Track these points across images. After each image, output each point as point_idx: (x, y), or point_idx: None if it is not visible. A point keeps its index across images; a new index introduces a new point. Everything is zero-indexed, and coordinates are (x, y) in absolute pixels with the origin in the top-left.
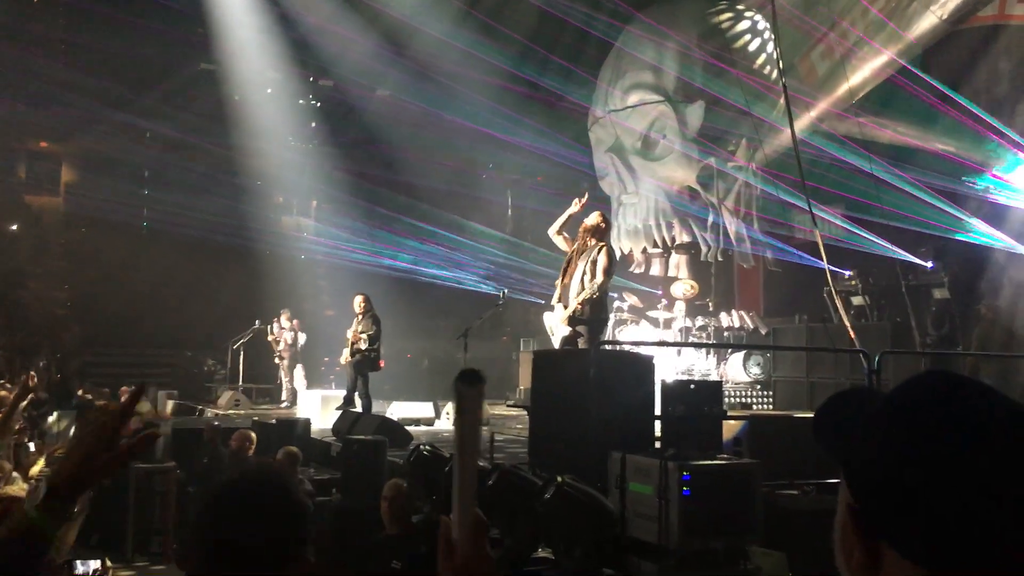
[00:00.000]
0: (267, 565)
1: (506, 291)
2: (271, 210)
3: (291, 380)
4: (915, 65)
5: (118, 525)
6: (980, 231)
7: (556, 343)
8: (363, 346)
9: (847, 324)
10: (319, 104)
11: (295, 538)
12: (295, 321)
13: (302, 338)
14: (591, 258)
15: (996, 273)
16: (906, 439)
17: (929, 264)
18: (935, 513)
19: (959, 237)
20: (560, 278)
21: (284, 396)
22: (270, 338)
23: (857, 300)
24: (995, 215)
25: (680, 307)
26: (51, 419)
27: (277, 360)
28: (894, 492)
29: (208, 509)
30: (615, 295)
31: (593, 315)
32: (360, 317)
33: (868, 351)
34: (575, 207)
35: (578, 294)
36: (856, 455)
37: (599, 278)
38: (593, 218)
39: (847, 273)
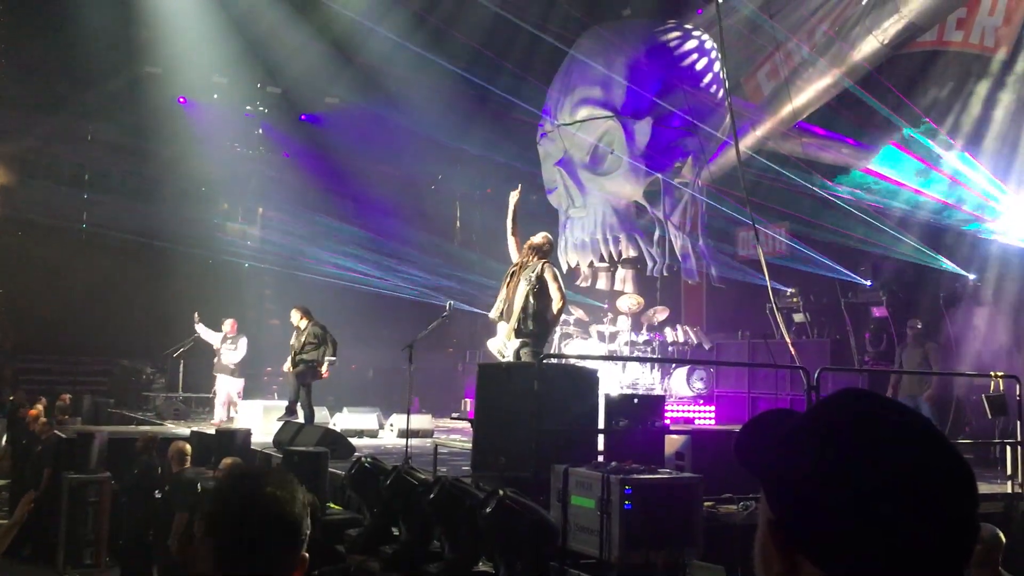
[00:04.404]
0: (274, 561)
1: (452, 303)
2: (216, 217)
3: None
4: (855, 88)
5: (50, 536)
6: (917, 250)
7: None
8: (307, 356)
9: (788, 341)
10: (266, 111)
11: (298, 537)
12: (230, 322)
13: (239, 347)
14: (535, 273)
15: (932, 292)
16: (819, 455)
17: (868, 282)
18: (847, 526)
19: (897, 256)
20: (502, 292)
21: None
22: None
23: (798, 317)
24: (931, 235)
25: (626, 321)
26: None
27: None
28: (809, 506)
29: (221, 508)
30: None
31: (538, 328)
32: (300, 328)
33: (808, 367)
34: (513, 200)
35: (522, 309)
36: (773, 471)
37: (556, 301)
38: (539, 238)
39: (788, 290)
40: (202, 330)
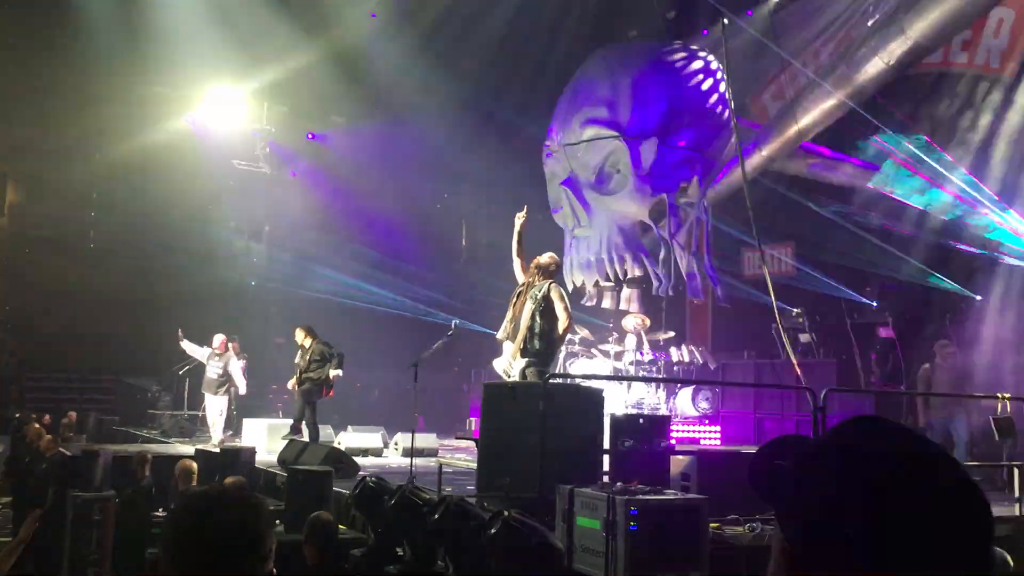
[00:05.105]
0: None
1: (457, 321)
2: (222, 235)
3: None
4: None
5: (54, 555)
6: (923, 271)
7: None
8: (312, 374)
9: (794, 361)
10: (273, 130)
11: (258, 551)
12: (219, 338)
13: (228, 366)
14: (542, 294)
15: (938, 313)
16: (835, 485)
17: (874, 303)
18: (864, 558)
19: (903, 277)
20: (509, 312)
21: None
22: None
23: (804, 337)
24: (936, 256)
25: (631, 340)
26: None
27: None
28: (825, 536)
29: (173, 527)
30: None
31: (543, 348)
32: (305, 347)
33: (814, 388)
34: (519, 223)
35: (528, 329)
36: (788, 501)
37: (562, 320)
38: (545, 258)
39: (794, 311)
40: (187, 346)
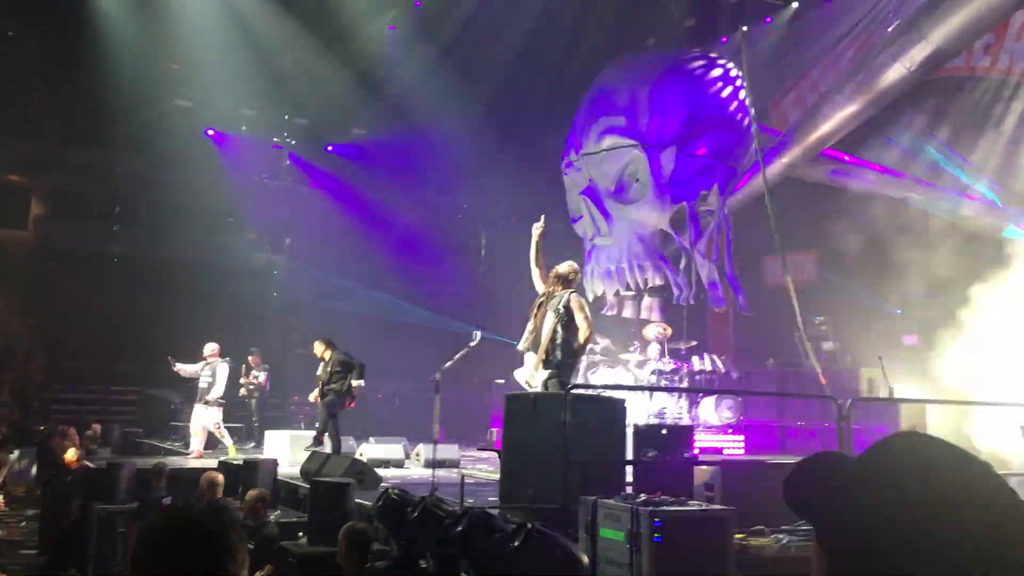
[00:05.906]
0: None
1: (478, 332)
2: (243, 247)
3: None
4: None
5: (79, 567)
6: (947, 279)
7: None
8: (334, 386)
9: (817, 369)
10: (294, 142)
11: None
12: (210, 347)
13: (216, 375)
14: (562, 303)
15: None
16: (882, 507)
17: (898, 311)
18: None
19: (925, 285)
20: (531, 323)
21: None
22: (242, 380)
23: (827, 345)
24: (959, 264)
25: (653, 349)
26: (12, 457)
27: (247, 400)
28: (871, 559)
29: (138, 548)
30: None
31: (565, 358)
32: (325, 359)
33: (838, 397)
34: (536, 232)
35: (550, 340)
36: (831, 521)
37: (583, 330)
38: (565, 267)
39: (817, 318)
40: (181, 368)
